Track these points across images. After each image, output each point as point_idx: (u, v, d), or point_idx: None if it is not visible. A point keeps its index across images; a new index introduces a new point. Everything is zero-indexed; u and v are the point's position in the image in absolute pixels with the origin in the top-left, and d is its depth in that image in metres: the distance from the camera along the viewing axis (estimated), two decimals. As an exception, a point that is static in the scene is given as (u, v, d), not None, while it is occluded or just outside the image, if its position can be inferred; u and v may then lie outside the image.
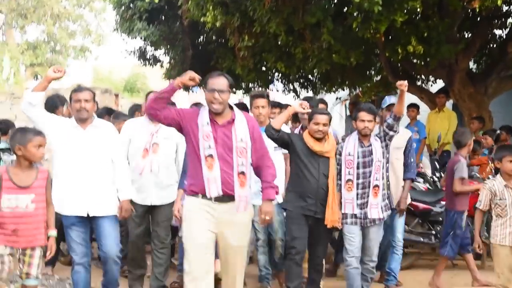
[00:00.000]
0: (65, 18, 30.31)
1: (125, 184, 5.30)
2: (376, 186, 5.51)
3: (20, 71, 27.42)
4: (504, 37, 10.98)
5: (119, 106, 16.42)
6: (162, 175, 5.77)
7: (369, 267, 5.68)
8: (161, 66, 14.26)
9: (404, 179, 6.26)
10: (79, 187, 5.05)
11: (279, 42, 10.11)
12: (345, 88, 13.51)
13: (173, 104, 5.97)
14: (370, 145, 5.54)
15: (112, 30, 12.97)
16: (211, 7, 9.45)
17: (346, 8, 8.81)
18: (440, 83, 11.83)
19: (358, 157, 5.49)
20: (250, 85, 13.56)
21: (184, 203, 4.70)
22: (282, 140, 5.54)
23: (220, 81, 4.41)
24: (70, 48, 31.32)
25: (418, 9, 8.59)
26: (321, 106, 6.74)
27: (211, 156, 4.38)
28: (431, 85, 12.60)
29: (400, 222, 6.33)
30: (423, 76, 12.00)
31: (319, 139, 5.45)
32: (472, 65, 11.52)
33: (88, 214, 5.09)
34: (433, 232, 7.37)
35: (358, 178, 5.49)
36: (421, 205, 7.32)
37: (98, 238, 5.25)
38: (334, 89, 13.38)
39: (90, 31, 31.53)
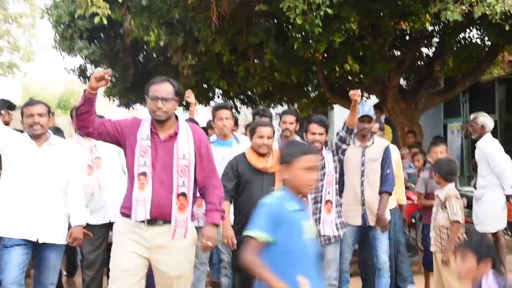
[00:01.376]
0: (-8, 32, 29.55)
1: (78, 208, 4.75)
2: (329, 201, 5.12)
3: None
4: (431, 55, 11.74)
5: (56, 124, 16.28)
6: (113, 189, 5.23)
7: (331, 283, 5.15)
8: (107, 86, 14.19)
9: (381, 193, 5.58)
10: (29, 209, 4.49)
11: (223, 61, 10.36)
12: (283, 104, 13.98)
13: (101, 117, 5.29)
14: (322, 158, 5.14)
15: (52, 48, 12.80)
16: (155, 27, 9.68)
17: (288, 30, 9.19)
18: (373, 99, 12.36)
19: None
20: (191, 102, 13.80)
21: (115, 225, 4.17)
22: None
23: (164, 88, 3.90)
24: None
25: (355, 30, 9.04)
26: (289, 118, 6.29)
27: (144, 174, 3.84)
28: (365, 101, 13.19)
29: (383, 241, 5.59)
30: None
31: (263, 155, 4.92)
32: (402, 82, 12.06)
33: (37, 240, 4.51)
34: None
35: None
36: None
37: (39, 267, 4.70)
38: (272, 105, 13.81)
39: (18, 47, 30.77)
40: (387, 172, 5.61)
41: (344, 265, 5.53)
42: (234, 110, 14.67)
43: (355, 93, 4.93)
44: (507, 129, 12.20)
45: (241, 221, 4.73)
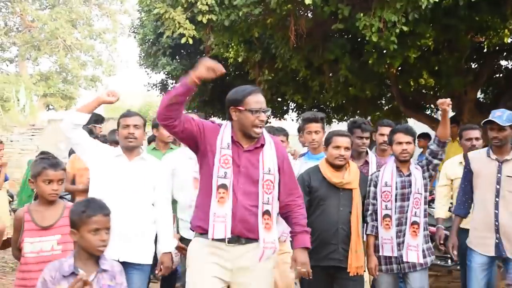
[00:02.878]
0: (76, 49, 30.75)
1: (168, 233, 4.49)
2: (415, 223, 4.47)
3: (33, 101, 27.87)
4: (510, 67, 11.59)
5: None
6: None
7: None
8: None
9: None
10: (114, 228, 4.35)
11: (298, 76, 10.61)
12: (356, 117, 14.11)
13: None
14: (410, 174, 4.56)
15: (138, 64, 13.46)
16: (234, 45, 10.04)
17: (362, 46, 9.35)
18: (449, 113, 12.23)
19: (396, 188, 4.53)
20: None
21: (191, 244, 3.68)
22: None
23: (262, 98, 3.56)
24: (81, 78, 31.70)
25: (430, 46, 9.17)
26: (385, 129, 5.60)
27: (224, 187, 3.43)
28: (440, 114, 13.08)
29: None
30: (432, 106, 12.50)
31: (339, 168, 4.46)
32: (479, 95, 11.89)
33: (118, 259, 4.05)
34: (449, 255, 7.47)
35: (395, 213, 4.51)
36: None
37: None
38: (346, 118, 13.98)
39: (101, 61, 32.04)
40: None
41: None
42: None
43: (444, 102, 4.42)
44: None
45: (314, 243, 4.12)
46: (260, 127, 3.51)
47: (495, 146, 4.69)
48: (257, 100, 3.50)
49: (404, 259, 4.48)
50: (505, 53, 11.26)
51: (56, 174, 3.58)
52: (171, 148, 6.15)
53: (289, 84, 11.37)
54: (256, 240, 3.49)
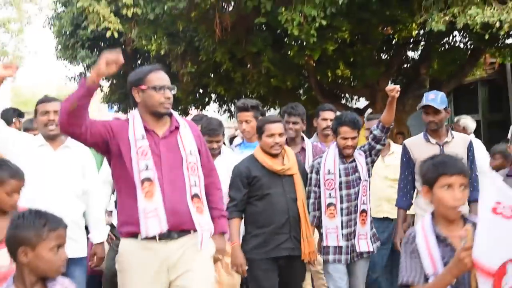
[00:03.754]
0: (-20, 34, 29.74)
1: (99, 223, 4.24)
2: (364, 211, 4.32)
3: None
4: (417, 59, 12.10)
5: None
6: None
7: None
8: (101, 90, 14.45)
9: (470, 201, 4.40)
10: None
11: (221, 68, 10.79)
12: (276, 107, 14.54)
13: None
14: (354, 161, 4.36)
15: (55, 57, 13.17)
16: (158, 38, 10.06)
17: (283, 39, 9.71)
18: (362, 101, 12.76)
19: (339, 176, 4.32)
20: (188, 107, 14.42)
21: (120, 247, 3.37)
22: None
23: (166, 76, 3.32)
24: None
25: (346, 38, 9.60)
26: (329, 114, 5.37)
27: (148, 179, 3.17)
28: (355, 103, 13.72)
29: None
30: (347, 95, 13.07)
31: (275, 155, 4.18)
32: (390, 84, 12.44)
33: None
34: None
35: (342, 202, 4.29)
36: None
37: None
38: (266, 108, 14.33)
39: (6, 52, 30.96)
40: (475, 174, 4.55)
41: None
42: (229, 114, 15.36)
43: (393, 88, 4.15)
44: (490, 128, 12.71)
45: (262, 236, 4.11)
46: (167, 104, 3.26)
47: (432, 130, 4.56)
48: (159, 76, 3.25)
49: (357, 249, 4.29)
50: (412, 45, 11.84)
51: (19, 184, 3.06)
52: None
53: (211, 76, 11.55)
54: (188, 231, 3.23)
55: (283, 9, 8.10)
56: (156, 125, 3.29)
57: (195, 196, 3.26)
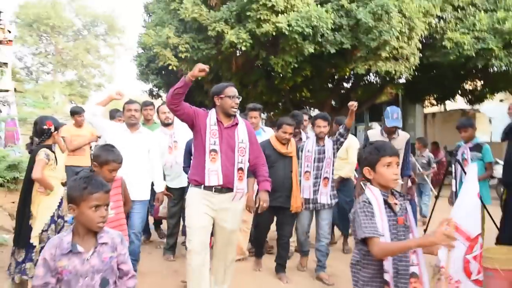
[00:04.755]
0: (90, 66, 29.78)
1: (160, 179, 4.11)
2: (326, 178, 4.18)
3: (61, 99, 26.90)
4: (349, 87, 12.14)
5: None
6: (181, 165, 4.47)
7: (324, 244, 4.24)
8: (161, 99, 13.84)
9: (403, 176, 4.37)
10: (125, 177, 3.51)
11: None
12: (265, 113, 14.44)
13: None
14: (324, 145, 4.19)
15: (136, 79, 13.08)
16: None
17: (272, 73, 9.73)
18: (316, 111, 12.53)
19: (314, 154, 4.18)
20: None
21: (188, 192, 3.30)
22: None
23: (235, 89, 3.24)
24: (91, 85, 30.67)
25: (308, 75, 9.57)
26: (305, 117, 5.32)
27: (214, 151, 3.12)
28: (311, 112, 13.80)
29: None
30: (307, 107, 13.12)
31: (284, 143, 4.09)
32: (333, 102, 12.14)
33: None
34: None
35: (313, 170, 4.18)
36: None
37: (130, 216, 3.81)
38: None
39: (104, 74, 31.07)
40: (408, 159, 4.39)
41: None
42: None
43: (352, 104, 3.95)
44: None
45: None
46: (235, 108, 3.19)
47: (388, 133, 4.27)
48: (232, 90, 3.19)
49: (318, 201, 4.18)
50: (346, 80, 11.81)
51: (118, 166, 2.81)
52: (155, 123, 5.25)
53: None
54: (231, 189, 3.18)
55: (273, 57, 8.32)
56: (224, 120, 3.20)
57: (240, 169, 3.19)
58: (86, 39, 29.17)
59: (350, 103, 3.98)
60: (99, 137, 5.39)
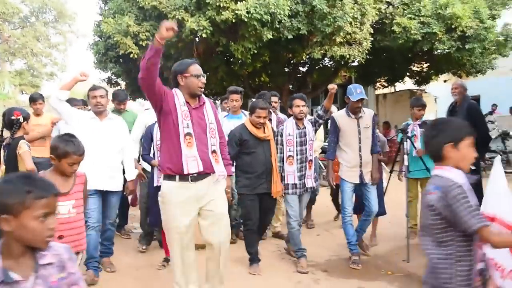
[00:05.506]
0: (40, 55, 28.30)
1: (131, 167, 3.89)
2: (310, 160, 4.02)
3: (11, 89, 25.46)
4: (304, 71, 12.24)
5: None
6: None
7: (302, 217, 4.25)
8: (120, 87, 13.24)
9: (373, 153, 4.19)
10: (96, 168, 3.50)
11: None
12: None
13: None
14: (305, 127, 4.00)
15: (93, 67, 12.67)
16: None
17: (232, 59, 9.63)
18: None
19: (296, 137, 3.96)
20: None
21: (162, 186, 2.88)
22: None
23: (200, 68, 2.88)
24: (43, 74, 29.24)
25: (267, 60, 9.75)
26: (274, 98, 5.08)
27: (189, 134, 2.77)
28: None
29: (374, 193, 4.18)
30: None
31: (259, 127, 3.89)
32: (290, 86, 12.27)
33: (103, 189, 3.66)
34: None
35: (297, 154, 3.96)
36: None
37: (104, 207, 3.74)
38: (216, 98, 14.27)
39: (56, 63, 29.74)
40: (375, 135, 4.29)
41: (347, 212, 4.13)
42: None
43: (333, 87, 3.82)
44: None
45: (249, 179, 3.88)
46: (202, 87, 2.87)
47: (355, 112, 4.10)
48: (197, 68, 2.85)
49: (307, 185, 4.02)
50: (302, 64, 11.94)
51: (79, 158, 2.47)
52: (126, 111, 5.16)
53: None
54: (209, 174, 2.84)
55: (233, 43, 8.34)
56: (190, 100, 2.85)
57: (213, 152, 2.88)
58: (35, 26, 27.58)
59: (330, 85, 3.84)
60: (55, 124, 5.07)
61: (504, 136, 10.04)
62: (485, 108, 14.85)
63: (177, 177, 2.77)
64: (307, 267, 3.99)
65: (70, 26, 29.32)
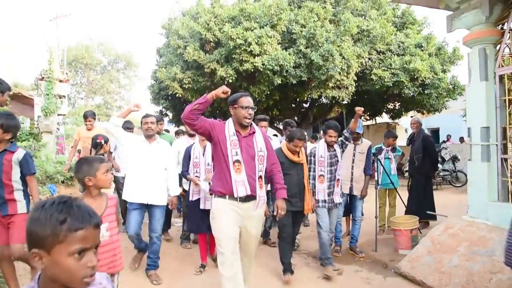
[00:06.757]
0: (113, 93, 29.41)
1: (175, 185, 3.50)
2: (338, 179, 3.69)
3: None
4: (306, 107, 12.08)
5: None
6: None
7: (332, 230, 3.81)
8: (169, 118, 13.29)
9: (366, 175, 4.08)
10: (143, 184, 3.31)
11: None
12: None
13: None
14: (334, 150, 3.67)
15: (150, 103, 12.88)
16: (195, 97, 9.53)
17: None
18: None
19: (327, 159, 3.63)
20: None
21: (213, 202, 2.60)
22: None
23: (250, 100, 2.57)
24: (114, 107, 30.06)
25: (277, 98, 9.64)
26: (263, 123, 4.36)
27: (238, 161, 2.49)
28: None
29: (360, 204, 4.11)
30: (277, 122, 12.66)
31: (295, 152, 3.46)
32: (296, 118, 12.13)
33: (147, 203, 3.34)
34: None
35: (327, 174, 3.62)
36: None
37: (150, 221, 3.40)
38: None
39: (124, 99, 30.61)
40: (369, 162, 4.12)
41: (339, 219, 4.08)
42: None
43: (360, 109, 3.53)
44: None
45: (287, 196, 3.15)
46: (249, 118, 2.53)
47: (355, 139, 4.06)
48: (246, 100, 2.55)
49: (335, 201, 3.66)
50: (304, 101, 11.74)
51: (108, 165, 2.08)
52: (163, 133, 4.85)
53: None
54: (254, 197, 2.56)
55: (251, 86, 8.41)
56: (240, 129, 2.55)
57: (260, 177, 2.57)
58: (110, 73, 28.95)
59: (357, 108, 3.53)
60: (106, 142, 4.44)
61: (454, 159, 10.43)
62: (442, 137, 14.87)
63: (227, 196, 2.51)
64: (332, 273, 3.51)
65: (135, 72, 30.65)
